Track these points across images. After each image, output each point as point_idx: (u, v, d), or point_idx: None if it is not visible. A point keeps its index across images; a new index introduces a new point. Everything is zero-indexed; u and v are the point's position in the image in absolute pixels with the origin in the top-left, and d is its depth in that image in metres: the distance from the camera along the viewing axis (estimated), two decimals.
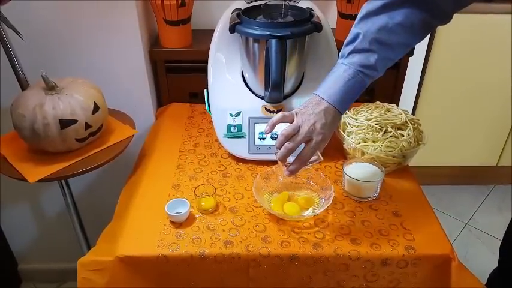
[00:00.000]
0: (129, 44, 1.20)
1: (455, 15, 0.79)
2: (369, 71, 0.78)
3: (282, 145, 0.78)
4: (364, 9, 0.78)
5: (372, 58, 0.77)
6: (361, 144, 1.00)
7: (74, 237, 1.24)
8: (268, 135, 1.04)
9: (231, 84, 1.10)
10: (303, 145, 0.80)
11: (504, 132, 2.08)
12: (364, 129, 1.01)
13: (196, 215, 0.89)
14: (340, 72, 0.79)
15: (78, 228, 1.22)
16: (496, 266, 1.12)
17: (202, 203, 0.89)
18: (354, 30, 0.79)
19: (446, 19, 0.79)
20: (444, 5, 0.76)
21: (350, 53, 0.78)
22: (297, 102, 1.06)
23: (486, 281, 1.10)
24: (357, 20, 0.79)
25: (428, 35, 0.83)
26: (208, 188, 0.92)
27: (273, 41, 0.93)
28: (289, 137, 0.78)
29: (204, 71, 1.12)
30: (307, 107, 0.80)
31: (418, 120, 1.05)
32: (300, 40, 1.02)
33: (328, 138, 0.82)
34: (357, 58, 0.78)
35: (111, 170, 1.24)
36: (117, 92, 1.23)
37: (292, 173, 0.81)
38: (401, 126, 1.02)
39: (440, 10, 0.77)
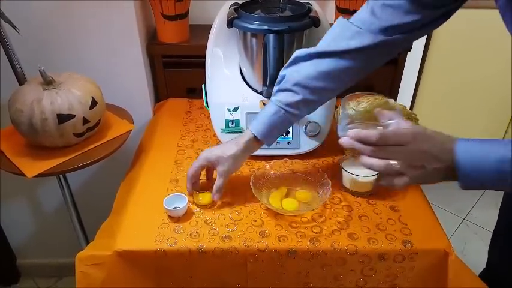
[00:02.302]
0: (126, 38, 1.20)
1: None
2: (292, 109, 0.84)
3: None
4: (294, 55, 0.85)
5: (295, 98, 0.84)
6: None
7: (72, 232, 1.25)
8: None
9: (228, 79, 1.10)
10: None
11: (502, 127, 2.09)
12: (361, 124, 1.01)
13: (194, 210, 0.89)
14: (267, 108, 0.87)
15: (76, 223, 1.23)
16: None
17: (200, 198, 0.90)
18: (281, 72, 0.87)
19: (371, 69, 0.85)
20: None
21: (277, 91, 0.87)
22: None
23: None
24: (286, 64, 0.86)
25: None
26: (206, 184, 0.93)
27: (271, 36, 0.93)
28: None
29: (202, 66, 1.11)
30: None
31: (416, 115, 1.05)
32: (298, 35, 1.01)
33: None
34: (281, 97, 0.85)
35: (109, 165, 1.24)
36: (115, 87, 1.23)
37: None
38: None
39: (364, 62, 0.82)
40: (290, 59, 0.86)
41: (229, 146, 0.88)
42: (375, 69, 0.85)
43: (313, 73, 0.82)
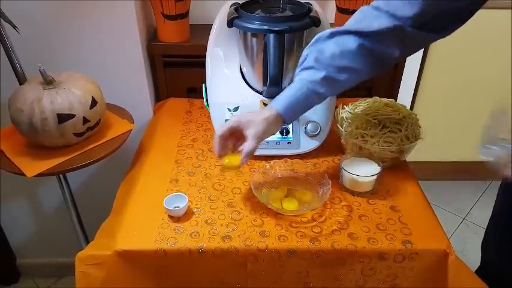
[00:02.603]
0: (127, 38, 1.20)
1: None
2: (316, 87, 0.83)
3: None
4: (317, 35, 0.85)
5: (318, 75, 0.82)
6: (359, 139, 1.00)
7: (72, 231, 1.24)
8: None
9: (229, 79, 1.10)
10: None
11: None
12: (362, 124, 1.01)
13: (195, 210, 0.89)
14: (291, 85, 0.85)
15: (76, 223, 1.23)
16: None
17: (227, 160, 0.87)
18: (304, 52, 0.86)
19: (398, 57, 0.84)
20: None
21: (300, 71, 0.86)
22: None
23: None
24: (309, 44, 0.86)
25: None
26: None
27: (271, 36, 0.93)
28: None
29: (202, 65, 1.11)
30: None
31: (416, 115, 1.05)
32: (298, 35, 1.01)
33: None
34: (305, 74, 0.84)
35: (109, 165, 1.24)
36: (115, 87, 1.23)
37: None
38: (399, 121, 1.02)
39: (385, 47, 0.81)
40: (313, 39, 0.85)
41: (259, 112, 0.85)
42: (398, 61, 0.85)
43: (336, 51, 0.81)
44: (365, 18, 0.81)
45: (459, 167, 2.21)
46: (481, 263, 1.09)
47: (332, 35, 0.83)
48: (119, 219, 0.88)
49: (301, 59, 0.87)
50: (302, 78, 0.84)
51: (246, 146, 0.82)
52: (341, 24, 0.87)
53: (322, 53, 0.83)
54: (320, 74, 0.82)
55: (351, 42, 0.81)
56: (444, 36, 0.82)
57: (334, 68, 0.82)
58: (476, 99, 2.00)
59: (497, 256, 1.05)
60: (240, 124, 0.84)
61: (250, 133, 0.83)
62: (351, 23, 0.83)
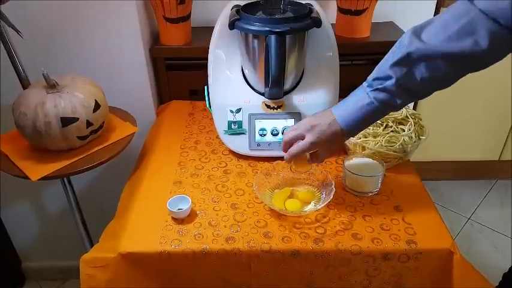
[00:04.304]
0: (129, 41, 1.21)
1: None
2: (390, 107, 0.76)
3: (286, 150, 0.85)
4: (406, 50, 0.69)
5: (397, 100, 0.73)
6: (362, 139, 1.00)
7: (76, 234, 1.25)
8: (269, 131, 1.05)
9: (231, 81, 1.11)
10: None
11: (506, 127, 2.07)
12: None
13: (198, 211, 0.90)
14: (359, 98, 0.76)
15: (80, 226, 1.23)
16: (501, 263, 1.07)
17: (294, 166, 0.91)
18: (387, 72, 0.72)
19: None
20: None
21: (377, 89, 0.74)
22: (297, 98, 1.07)
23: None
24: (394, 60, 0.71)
25: None
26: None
27: (273, 37, 0.93)
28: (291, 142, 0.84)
29: (204, 68, 1.12)
30: (317, 114, 0.83)
31: (419, 114, 1.05)
32: (300, 36, 1.02)
33: (322, 150, 0.84)
34: (382, 96, 0.73)
35: (112, 168, 1.24)
36: (118, 90, 1.23)
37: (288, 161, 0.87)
38: (402, 121, 1.02)
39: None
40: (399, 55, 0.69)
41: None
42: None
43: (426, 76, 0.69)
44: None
45: (463, 167, 2.20)
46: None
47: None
48: (123, 222, 0.88)
49: (381, 74, 0.73)
50: (377, 99, 0.74)
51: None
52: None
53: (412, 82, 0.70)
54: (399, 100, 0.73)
55: (447, 68, 0.68)
56: None
57: (416, 93, 0.73)
58: (480, 98, 1.99)
59: None
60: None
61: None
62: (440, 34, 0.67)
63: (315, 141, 0.80)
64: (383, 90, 0.73)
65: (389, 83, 0.72)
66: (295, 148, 0.83)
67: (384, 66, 0.73)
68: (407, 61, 0.69)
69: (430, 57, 0.67)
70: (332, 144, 0.81)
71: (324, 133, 0.79)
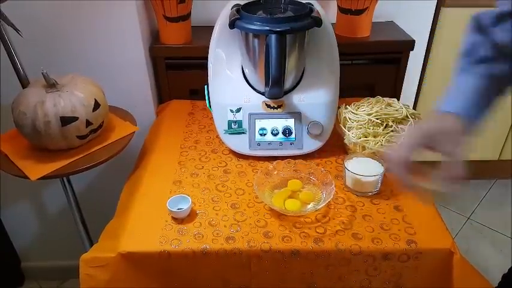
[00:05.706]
0: (129, 41, 1.20)
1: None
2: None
3: None
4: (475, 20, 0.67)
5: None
6: (362, 139, 0.99)
7: (76, 234, 1.25)
8: (269, 130, 1.05)
9: (231, 80, 1.10)
10: None
11: (505, 127, 2.07)
12: (364, 124, 1.01)
13: (198, 211, 0.89)
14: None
15: (80, 225, 1.23)
16: (500, 263, 1.08)
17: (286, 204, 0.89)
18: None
19: None
20: None
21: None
22: (297, 98, 1.06)
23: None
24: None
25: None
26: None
27: (273, 36, 0.93)
28: None
29: (204, 67, 1.12)
30: None
31: (419, 114, 1.05)
32: (300, 35, 1.01)
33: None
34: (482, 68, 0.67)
35: (112, 167, 1.24)
36: (118, 89, 1.23)
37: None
38: (402, 121, 1.02)
39: None
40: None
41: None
42: None
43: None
44: None
45: None
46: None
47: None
48: (123, 221, 0.88)
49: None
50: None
51: (455, 171, 0.67)
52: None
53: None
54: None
55: None
56: None
57: None
58: None
59: None
60: (431, 140, 0.70)
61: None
62: None
63: None
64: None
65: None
66: None
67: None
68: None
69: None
70: None
71: None
